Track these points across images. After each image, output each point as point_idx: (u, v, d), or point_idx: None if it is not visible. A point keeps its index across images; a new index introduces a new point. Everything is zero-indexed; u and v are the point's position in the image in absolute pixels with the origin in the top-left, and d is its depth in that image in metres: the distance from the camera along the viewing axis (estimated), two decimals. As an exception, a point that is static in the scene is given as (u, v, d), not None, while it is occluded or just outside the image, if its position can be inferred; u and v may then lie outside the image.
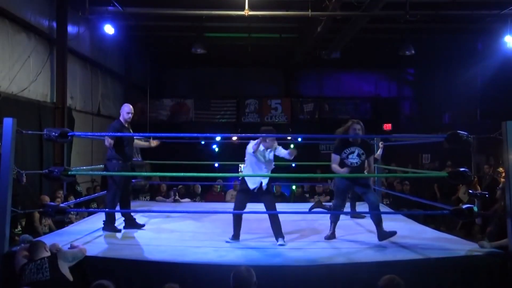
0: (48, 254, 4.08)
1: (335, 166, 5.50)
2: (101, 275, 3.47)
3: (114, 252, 4.82)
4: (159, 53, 16.31)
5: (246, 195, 5.40)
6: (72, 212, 7.59)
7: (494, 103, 12.72)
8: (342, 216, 7.03)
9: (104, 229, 5.71)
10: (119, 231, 5.75)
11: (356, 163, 5.46)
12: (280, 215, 6.70)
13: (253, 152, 5.26)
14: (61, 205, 5.30)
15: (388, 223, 6.42)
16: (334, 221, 5.62)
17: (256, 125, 15.31)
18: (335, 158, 5.54)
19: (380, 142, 7.53)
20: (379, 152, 7.34)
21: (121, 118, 5.97)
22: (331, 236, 5.53)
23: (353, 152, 5.44)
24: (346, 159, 5.48)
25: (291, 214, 7.16)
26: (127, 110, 5.98)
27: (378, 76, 17.73)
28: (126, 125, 5.97)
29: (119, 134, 5.78)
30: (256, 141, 5.27)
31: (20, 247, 4.33)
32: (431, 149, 13.40)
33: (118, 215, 6.04)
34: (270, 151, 5.39)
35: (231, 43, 14.35)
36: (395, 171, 9.29)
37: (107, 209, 5.86)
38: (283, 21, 11.75)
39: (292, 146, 14.29)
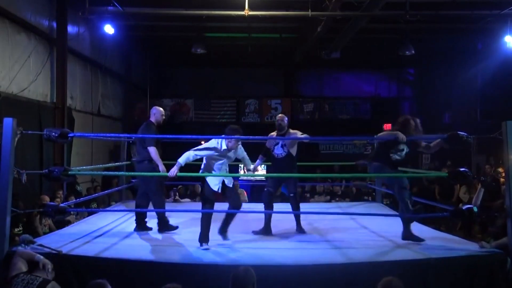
0: (47, 277, 3.93)
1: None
2: (101, 275, 3.47)
3: (114, 252, 4.82)
4: (159, 53, 16.29)
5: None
6: (72, 212, 7.59)
7: (494, 103, 12.71)
8: (342, 216, 7.05)
9: (160, 230, 5.88)
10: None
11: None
12: (280, 215, 6.72)
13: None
14: (61, 205, 5.29)
15: (388, 222, 6.44)
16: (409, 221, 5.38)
17: (256, 125, 15.32)
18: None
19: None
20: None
21: (153, 119, 6.06)
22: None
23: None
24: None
25: (291, 214, 7.15)
26: (161, 113, 6.11)
27: (378, 76, 17.72)
28: None
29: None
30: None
31: (23, 251, 4.26)
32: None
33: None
34: (234, 152, 5.32)
35: (231, 43, 14.33)
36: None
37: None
38: (283, 21, 11.75)
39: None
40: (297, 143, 6.10)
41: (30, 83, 8.80)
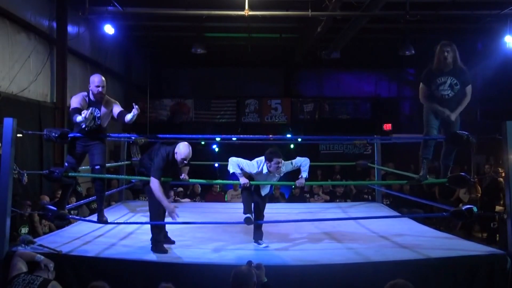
0: (47, 277, 3.97)
1: (424, 99, 4.96)
2: (101, 276, 3.48)
3: (114, 252, 4.82)
4: (159, 53, 16.29)
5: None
6: (72, 213, 7.57)
7: (494, 103, 12.72)
8: (342, 215, 7.05)
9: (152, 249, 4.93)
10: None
11: (448, 95, 4.95)
12: (280, 215, 6.73)
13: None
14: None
15: (388, 222, 6.45)
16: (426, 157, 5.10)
17: (256, 125, 15.32)
18: (423, 90, 4.96)
19: None
20: None
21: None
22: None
23: (444, 83, 4.91)
24: (436, 90, 4.88)
25: (291, 214, 7.16)
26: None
27: (378, 76, 17.70)
28: None
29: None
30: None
31: (23, 252, 4.25)
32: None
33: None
34: (274, 176, 5.13)
35: (231, 43, 14.34)
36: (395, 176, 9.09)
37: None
38: (283, 21, 11.75)
39: (292, 146, 14.34)
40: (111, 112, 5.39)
41: (30, 83, 8.80)
